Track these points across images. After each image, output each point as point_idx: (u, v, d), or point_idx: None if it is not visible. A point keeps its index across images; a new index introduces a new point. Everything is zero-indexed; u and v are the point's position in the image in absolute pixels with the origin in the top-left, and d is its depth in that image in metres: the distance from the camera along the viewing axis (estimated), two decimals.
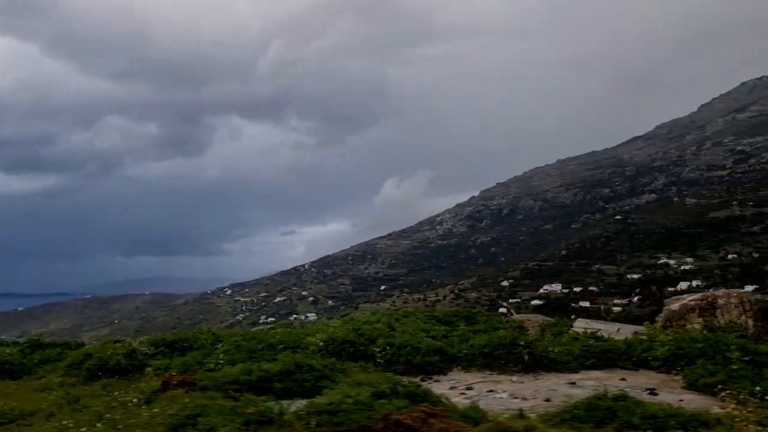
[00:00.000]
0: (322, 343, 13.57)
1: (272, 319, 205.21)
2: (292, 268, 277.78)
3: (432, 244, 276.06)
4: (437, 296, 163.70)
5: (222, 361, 12.32)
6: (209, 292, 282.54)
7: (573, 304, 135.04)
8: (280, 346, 13.43)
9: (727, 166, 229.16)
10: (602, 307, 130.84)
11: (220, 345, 14.29)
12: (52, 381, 12.23)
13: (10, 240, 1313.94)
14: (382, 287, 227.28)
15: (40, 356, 15.28)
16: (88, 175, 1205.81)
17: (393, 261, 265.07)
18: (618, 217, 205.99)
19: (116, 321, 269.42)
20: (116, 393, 9.99)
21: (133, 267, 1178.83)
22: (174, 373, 10.75)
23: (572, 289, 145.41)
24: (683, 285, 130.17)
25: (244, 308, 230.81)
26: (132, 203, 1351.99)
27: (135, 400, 9.18)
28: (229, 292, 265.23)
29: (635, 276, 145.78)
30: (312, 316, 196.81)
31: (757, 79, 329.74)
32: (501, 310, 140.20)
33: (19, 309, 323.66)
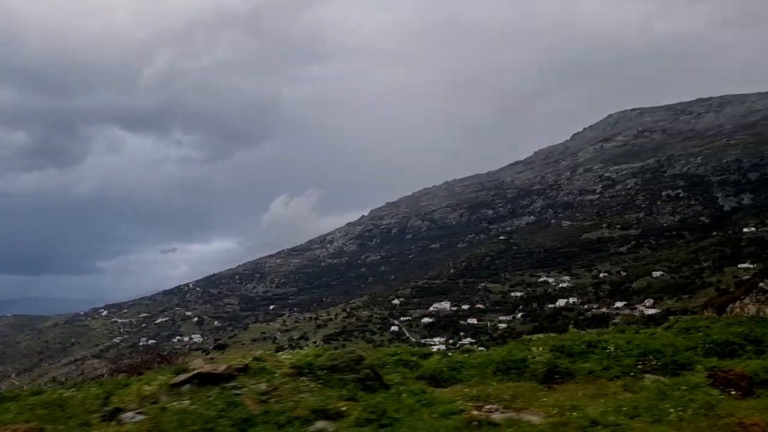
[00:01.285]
0: None
1: (153, 341, 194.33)
2: (176, 287, 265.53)
3: (323, 263, 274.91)
4: (329, 315, 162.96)
5: None
6: (82, 313, 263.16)
7: (462, 321, 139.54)
8: None
9: (597, 191, 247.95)
10: (488, 323, 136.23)
11: None
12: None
13: None
14: (272, 306, 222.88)
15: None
16: None
17: (282, 279, 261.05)
18: (501, 237, 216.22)
19: None
20: None
21: None
22: None
23: (461, 306, 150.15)
24: (561, 302, 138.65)
25: (121, 330, 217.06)
26: None
27: None
28: (105, 313, 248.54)
29: (518, 294, 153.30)
30: (197, 338, 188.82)
31: (620, 112, 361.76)
32: (393, 328, 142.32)
33: None
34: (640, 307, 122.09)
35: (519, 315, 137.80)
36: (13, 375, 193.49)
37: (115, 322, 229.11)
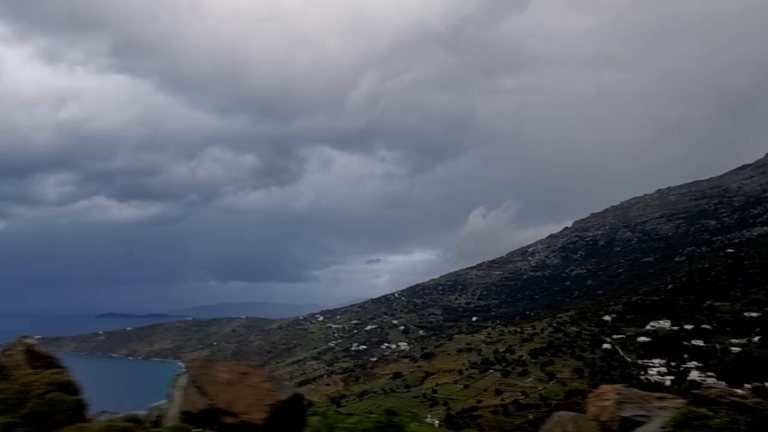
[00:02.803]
0: None
1: (363, 346, 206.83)
2: (382, 296, 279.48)
3: (524, 275, 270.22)
4: (534, 329, 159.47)
5: None
6: (301, 317, 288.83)
7: (684, 343, 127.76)
8: None
9: None
10: (717, 346, 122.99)
11: None
12: None
13: (116, 264, 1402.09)
14: (474, 318, 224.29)
15: None
16: (189, 205, 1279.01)
17: (484, 291, 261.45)
18: (729, 250, 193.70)
19: (214, 343, 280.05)
20: None
21: (227, 292, 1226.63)
22: None
23: (683, 326, 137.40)
24: None
25: (336, 335, 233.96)
26: (227, 231, 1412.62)
27: None
28: (321, 318, 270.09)
29: (753, 314, 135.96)
30: (404, 345, 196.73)
31: None
32: (605, 346, 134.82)
33: (128, 329, 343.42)
34: None
35: (756, 338, 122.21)
36: None
37: (330, 327, 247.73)
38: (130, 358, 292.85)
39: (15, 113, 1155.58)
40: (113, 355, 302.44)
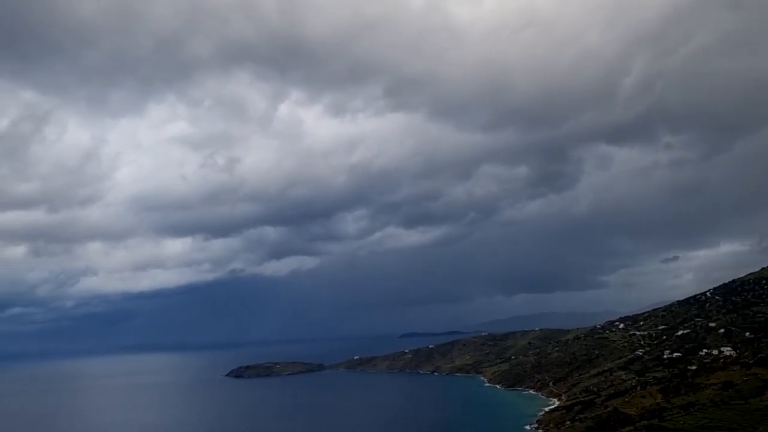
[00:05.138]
0: None
1: (678, 354, 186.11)
2: (691, 297, 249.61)
3: None
4: None
5: None
6: (599, 326, 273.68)
7: None
8: None
9: None
10: None
11: None
12: None
13: (410, 287, 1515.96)
14: None
15: None
16: (469, 223, 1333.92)
17: None
18: None
19: (512, 357, 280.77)
20: None
21: (515, 305, 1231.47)
22: None
23: None
24: None
25: (642, 343, 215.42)
26: (508, 244, 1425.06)
27: None
28: (621, 326, 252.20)
29: None
30: (727, 351, 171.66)
31: None
32: None
33: (430, 346, 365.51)
34: None
35: None
36: (550, 383, 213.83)
37: (634, 334, 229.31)
38: (435, 374, 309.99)
39: (316, 164, 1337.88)
40: (420, 371, 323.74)
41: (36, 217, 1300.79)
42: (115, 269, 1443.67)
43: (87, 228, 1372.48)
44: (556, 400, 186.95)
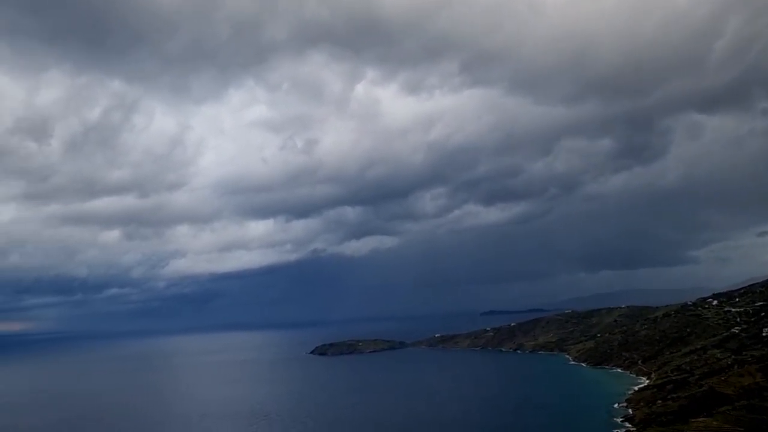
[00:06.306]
0: None
1: None
2: None
3: None
4: None
5: None
6: (690, 303, 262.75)
7: None
8: None
9: None
10: None
11: None
12: None
13: (489, 264, 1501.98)
14: None
15: None
16: (550, 199, 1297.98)
17: None
18: None
19: (598, 335, 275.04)
20: None
21: (597, 282, 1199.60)
22: None
23: None
24: None
25: (738, 320, 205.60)
26: (590, 219, 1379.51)
27: None
28: (714, 302, 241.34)
29: None
30: None
31: None
32: None
33: (511, 324, 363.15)
34: None
35: None
36: (639, 361, 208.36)
37: (729, 311, 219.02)
38: (518, 351, 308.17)
39: (394, 143, 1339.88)
40: (502, 349, 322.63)
41: (128, 202, 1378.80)
42: (203, 251, 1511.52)
43: (175, 212, 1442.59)
44: (645, 378, 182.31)
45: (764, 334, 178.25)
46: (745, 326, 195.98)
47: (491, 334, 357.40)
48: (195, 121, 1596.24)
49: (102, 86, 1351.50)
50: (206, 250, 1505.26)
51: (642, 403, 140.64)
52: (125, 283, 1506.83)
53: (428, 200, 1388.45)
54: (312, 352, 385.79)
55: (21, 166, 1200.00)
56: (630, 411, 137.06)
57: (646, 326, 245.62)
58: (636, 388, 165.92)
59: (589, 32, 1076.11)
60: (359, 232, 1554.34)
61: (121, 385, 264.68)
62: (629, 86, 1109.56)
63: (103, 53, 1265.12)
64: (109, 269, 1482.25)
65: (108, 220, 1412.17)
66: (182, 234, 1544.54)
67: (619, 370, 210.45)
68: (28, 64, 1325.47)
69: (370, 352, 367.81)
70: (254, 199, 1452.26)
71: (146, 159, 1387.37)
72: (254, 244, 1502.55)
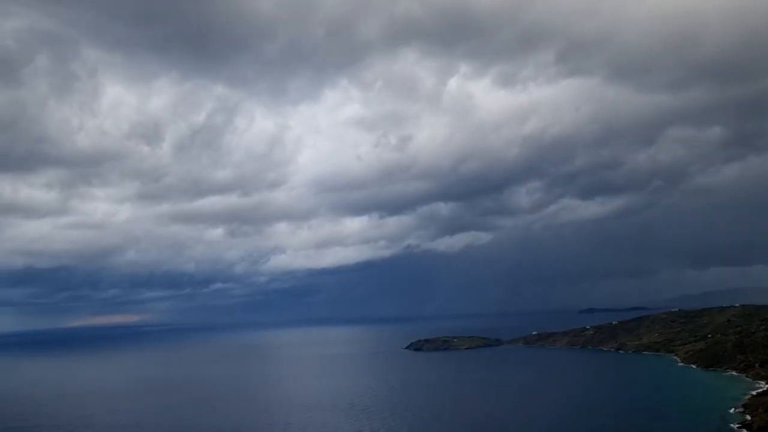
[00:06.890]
0: None
1: None
2: None
3: None
4: None
5: None
6: None
7: None
8: None
9: None
10: None
11: None
12: None
13: (587, 261, 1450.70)
14: None
15: None
16: (653, 192, 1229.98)
17: None
18: None
19: (709, 335, 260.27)
20: None
21: (707, 279, 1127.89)
22: None
23: None
24: None
25: None
26: (699, 213, 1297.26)
27: None
28: None
29: None
30: None
31: None
32: None
33: (613, 323, 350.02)
34: None
35: None
36: (756, 365, 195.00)
37: None
38: (620, 351, 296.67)
39: (488, 137, 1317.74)
40: (603, 348, 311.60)
41: (231, 201, 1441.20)
42: (301, 247, 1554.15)
43: (275, 210, 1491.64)
44: (764, 383, 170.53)
45: None
46: None
47: (591, 332, 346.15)
48: (292, 121, 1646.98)
49: (206, 91, 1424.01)
50: (304, 246, 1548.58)
51: (761, 409, 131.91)
52: (229, 278, 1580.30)
53: (523, 195, 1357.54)
54: (407, 348, 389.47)
55: (136, 169, 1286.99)
56: (748, 417, 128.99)
57: (763, 327, 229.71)
58: (754, 392, 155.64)
59: (694, 12, 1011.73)
60: (453, 227, 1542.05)
61: (232, 374, 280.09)
62: (741, 70, 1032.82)
63: (206, 60, 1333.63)
64: (215, 265, 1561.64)
65: (213, 219, 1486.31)
66: (281, 231, 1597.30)
67: (733, 373, 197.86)
68: (139, 73, 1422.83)
69: (465, 348, 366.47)
70: (349, 197, 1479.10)
71: (247, 159, 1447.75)
72: (349, 240, 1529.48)
